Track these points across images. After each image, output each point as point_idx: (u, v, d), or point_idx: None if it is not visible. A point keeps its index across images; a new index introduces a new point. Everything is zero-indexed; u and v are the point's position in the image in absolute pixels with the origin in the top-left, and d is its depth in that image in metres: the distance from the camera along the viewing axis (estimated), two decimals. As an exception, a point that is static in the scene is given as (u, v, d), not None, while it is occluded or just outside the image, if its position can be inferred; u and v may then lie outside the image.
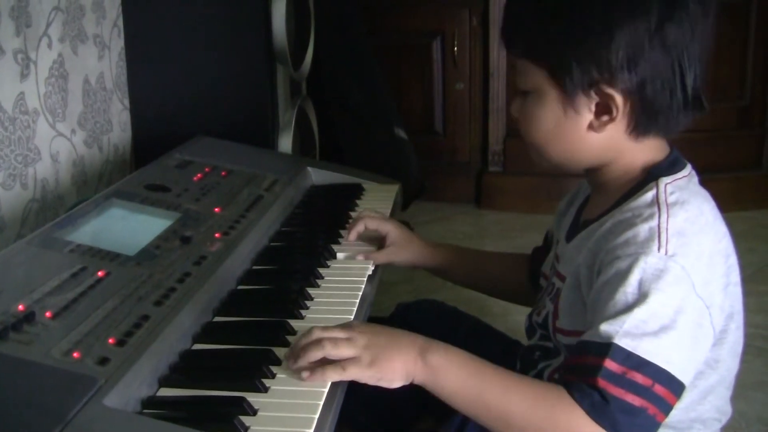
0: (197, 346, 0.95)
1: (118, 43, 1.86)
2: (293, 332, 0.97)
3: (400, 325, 1.34)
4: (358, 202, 1.52)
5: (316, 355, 0.87)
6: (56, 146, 1.58)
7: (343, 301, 1.09)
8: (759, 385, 1.74)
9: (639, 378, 0.84)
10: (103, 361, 0.80)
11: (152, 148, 1.62)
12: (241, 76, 1.89)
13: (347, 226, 1.38)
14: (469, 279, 1.37)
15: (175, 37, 1.88)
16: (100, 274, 0.98)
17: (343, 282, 1.16)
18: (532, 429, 0.87)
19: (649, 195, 0.94)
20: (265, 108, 1.90)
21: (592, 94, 0.94)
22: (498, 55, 2.94)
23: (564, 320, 1.01)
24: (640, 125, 0.95)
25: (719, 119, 2.91)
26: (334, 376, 0.86)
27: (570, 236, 1.06)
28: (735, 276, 0.97)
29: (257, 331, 0.99)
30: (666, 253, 0.87)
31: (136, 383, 0.81)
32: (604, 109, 0.94)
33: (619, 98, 0.93)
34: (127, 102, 1.91)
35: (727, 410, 1.01)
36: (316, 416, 0.80)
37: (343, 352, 0.87)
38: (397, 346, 0.89)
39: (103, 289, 0.95)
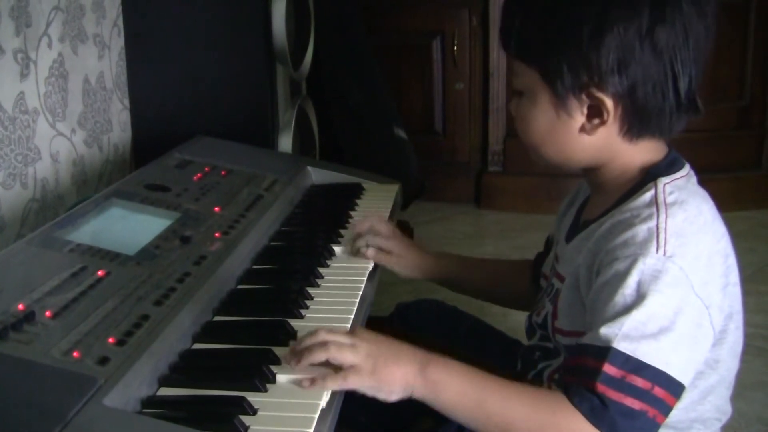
0: (197, 346, 0.95)
1: (118, 43, 1.86)
2: (293, 332, 0.97)
3: (400, 324, 1.36)
4: (358, 202, 1.52)
5: (320, 356, 0.87)
6: (56, 146, 1.58)
7: (343, 300, 1.09)
8: (759, 385, 1.74)
9: (638, 381, 0.84)
10: (103, 360, 0.80)
11: (152, 147, 1.62)
12: (241, 76, 1.89)
13: (347, 225, 1.38)
14: (471, 288, 1.36)
15: (175, 37, 1.88)
16: (100, 273, 0.98)
17: (343, 282, 1.16)
18: None
19: (647, 195, 0.94)
20: (265, 108, 1.90)
21: (583, 97, 0.94)
22: (498, 55, 2.94)
23: (563, 320, 1.01)
24: (633, 128, 0.95)
25: (719, 119, 2.91)
26: (334, 385, 0.86)
27: (570, 237, 1.06)
28: (734, 276, 0.97)
29: (257, 330, 0.99)
30: (664, 254, 0.87)
31: (136, 383, 0.81)
32: (595, 112, 0.94)
33: (609, 102, 0.93)
34: (127, 102, 1.91)
35: (727, 410, 1.01)
36: (316, 416, 0.80)
37: (347, 358, 0.87)
38: (397, 360, 0.89)
39: (103, 288, 0.95)
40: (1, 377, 0.76)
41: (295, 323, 0.99)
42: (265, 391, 0.84)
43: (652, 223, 0.90)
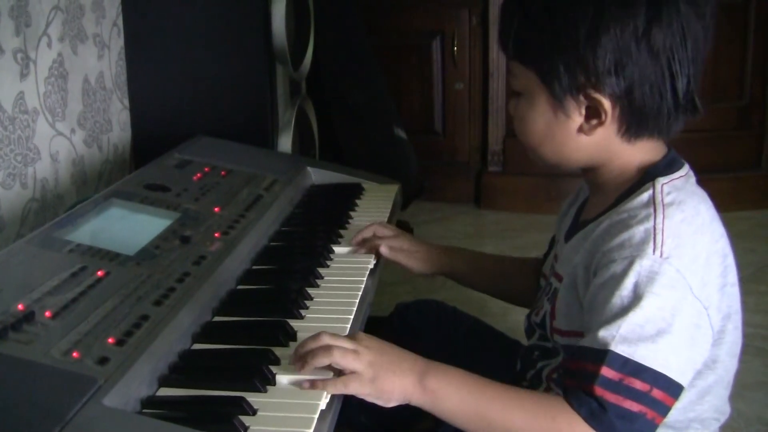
0: (197, 346, 0.95)
1: (117, 43, 1.86)
2: (293, 332, 0.97)
3: (399, 324, 1.36)
4: (358, 202, 1.52)
5: (323, 361, 0.87)
6: (56, 146, 1.58)
7: (343, 301, 1.09)
8: (758, 385, 1.74)
9: (637, 384, 0.84)
10: (103, 360, 0.80)
11: (152, 147, 1.62)
12: (241, 76, 1.88)
13: (347, 226, 1.38)
14: (479, 283, 1.37)
15: (175, 37, 1.88)
16: (99, 273, 0.98)
17: (343, 282, 1.16)
18: None
19: (645, 195, 0.94)
20: (264, 108, 1.90)
21: (581, 98, 0.94)
22: (498, 55, 2.94)
23: (561, 320, 1.01)
24: (631, 129, 0.95)
25: (718, 119, 2.91)
26: (334, 390, 0.86)
27: (569, 236, 1.06)
28: (732, 276, 0.97)
29: (257, 331, 0.99)
30: (661, 255, 0.87)
31: (135, 383, 0.81)
32: (593, 113, 0.94)
33: (607, 103, 0.93)
34: (126, 102, 1.91)
35: (726, 410, 1.01)
36: (316, 416, 0.80)
37: (350, 364, 0.87)
38: (398, 368, 0.90)
39: (103, 288, 0.94)
40: (0, 377, 0.76)
41: (294, 323, 0.99)
42: (265, 391, 0.84)
43: (649, 224, 0.90)
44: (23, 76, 1.45)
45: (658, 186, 0.94)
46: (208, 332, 0.98)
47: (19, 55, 1.44)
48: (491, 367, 0.98)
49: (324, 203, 1.53)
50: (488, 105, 3.02)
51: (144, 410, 0.81)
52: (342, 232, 1.35)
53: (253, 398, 0.82)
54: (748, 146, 3.02)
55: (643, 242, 0.89)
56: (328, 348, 0.87)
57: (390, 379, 0.89)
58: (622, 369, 0.85)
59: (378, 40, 2.88)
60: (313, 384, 0.86)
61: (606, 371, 0.85)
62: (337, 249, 1.28)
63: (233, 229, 1.21)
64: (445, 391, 0.89)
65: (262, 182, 1.45)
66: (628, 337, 0.85)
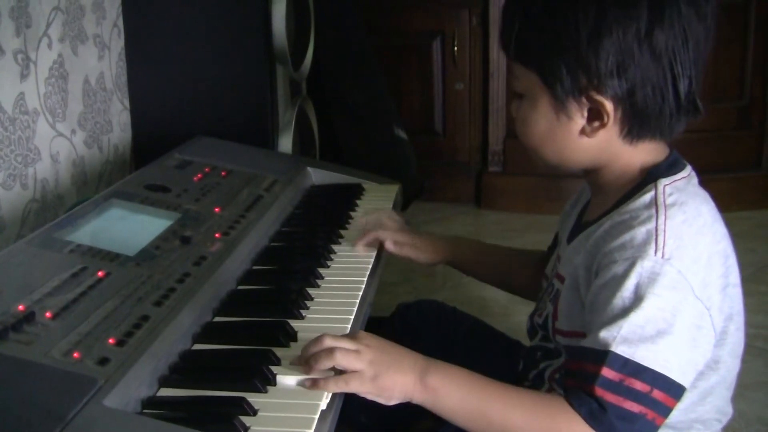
0: (197, 347, 0.95)
1: (118, 44, 1.86)
2: (293, 332, 0.97)
3: (400, 325, 1.36)
4: (358, 202, 1.52)
5: (327, 364, 0.87)
6: (56, 146, 1.58)
7: (343, 301, 1.09)
8: (759, 385, 1.74)
9: (637, 384, 0.84)
10: (103, 361, 0.80)
11: (152, 148, 1.62)
12: (241, 76, 1.89)
13: (347, 226, 1.39)
14: (483, 274, 1.38)
15: (175, 37, 1.88)
16: (100, 274, 0.98)
17: (343, 282, 1.16)
18: None
19: (647, 196, 0.94)
20: (265, 108, 1.90)
21: (583, 100, 0.94)
22: (498, 56, 2.94)
23: (563, 321, 1.01)
24: (633, 130, 0.95)
25: (719, 119, 2.91)
26: (335, 388, 0.86)
27: (571, 237, 1.06)
28: (734, 277, 0.97)
29: (257, 331, 0.99)
30: (663, 256, 0.87)
31: (136, 383, 0.81)
32: (595, 114, 0.94)
33: (609, 105, 0.93)
34: (127, 102, 1.91)
35: (728, 411, 1.01)
36: (317, 416, 0.80)
37: (352, 364, 0.88)
38: (399, 366, 0.90)
39: (103, 289, 0.95)
40: (1, 378, 0.76)
41: (295, 324, 0.99)
42: (265, 391, 0.84)
43: (651, 225, 0.90)
44: (24, 76, 1.45)
45: (660, 187, 0.94)
46: (208, 332, 0.98)
47: (19, 56, 1.44)
48: (491, 367, 0.98)
49: (324, 203, 1.53)
50: (488, 105, 3.02)
51: (144, 411, 0.81)
52: (342, 232, 1.35)
53: (253, 398, 0.82)
54: (748, 146, 3.02)
55: (645, 243, 0.89)
56: (330, 350, 0.88)
57: (391, 377, 0.89)
58: (623, 369, 0.85)
59: (378, 40, 2.88)
60: (314, 383, 0.86)
61: (606, 372, 0.85)
62: (338, 249, 1.28)
63: (234, 230, 1.21)
64: (446, 389, 0.90)
65: (262, 182, 1.45)
66: (629, 338, 0.85)
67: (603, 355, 0.85)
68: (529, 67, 0.96)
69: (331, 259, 1.24)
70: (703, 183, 1.00)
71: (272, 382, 0.86)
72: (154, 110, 1.92)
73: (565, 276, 1.02)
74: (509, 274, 1.34)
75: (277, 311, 1.04)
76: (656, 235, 0.89)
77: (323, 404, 0.83)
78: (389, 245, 1.27)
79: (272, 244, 1.30)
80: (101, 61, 1.79)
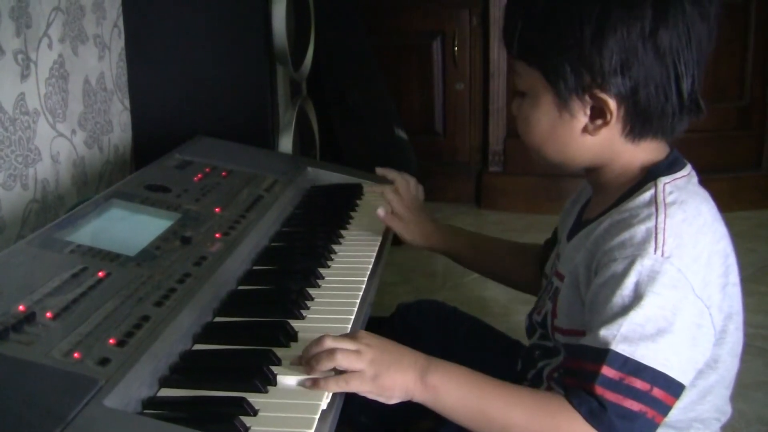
0: (197, 347, 0.95)
1: (118, 44, 1.86)
2: (293, 333, 0.97)
3: (400, 325, 1.36)
4: (358, 202, 1.52)
5: (328, 365, 0.87)
6: (56, 147, 1.58)
7: (344, 301, 1.09)
8: (759, 385, 1.74)
9: (637, 383, 0.84)
10: (104, 361, 0.80)
11: (152, 148, 1.62)
12: (241, 76, 1.89)
13: (347, 226, 1.39)
14: (478, 266, 1.38)
15: (175, 37, 1.88)
16: (100, 274, 0.98)
17: (343, 282, 1.16)
18: None
19: (647, 195, 0.94)
20: (265, 108, 1.90)
21: (586, 98, 0.94)
22: (498, 55, 2.94)
23: (562, 319, 1.01)
24: (636, 129, 0.95)
25: (719, 119, 2.91)
26: (336, 388, 0.87)
27: (571, 235, 1.06)
28: (734, 276, 0.97)
29: (257, 331, 0.99)
30: (662, 255, 0.87)
31: (136, 384, 0.81)
32: (598, 113, 0.94)
33: (612, 103, 0.93)
34: (127, 102, 1.91)
35: (727, 410, 1.01)
36: (317, 416, 0.80)
37: (353, 364, 0.88)
38: (399, 365, 0.90)
39: (104, 289, 0.95)
40: (1, 378, 0.76)
41: (295, 324, 0.99)
42: (266, 391, 0.85)
43: (651, 224, 0.90)
44: (24, 77, 1.46)
45: (660, 185, 0.94)
46: (209, 333, 0.98)
47: (19, 56, 1.44)
48: (492, 367, 0.98)
49: (324, 203, 1.53)
50: (489, 105, 3.02)
51: (145, 411, 0.81)
52: (342, 232, 1.35)
53: (254, 399, 0.82)
54: (748, 146, 3.02)
55: (645, 241, 0.89)
56: (331, 351, 0.88)
57: (391, 376, 0.89)
58: (623, 368, 0.85)
59: (378, 40, 2.88)
60: (314, 383, 0.86)
61: (606, 370, 0.85)
62: (338, 249, 1.28)
63: (234, 230, 1.22)
64: (447, 387, 0.90)
65: (262, 183, 1.45)
66: (629, 337, 0.85)
67: (603, 353, 0.85)
68: (532, 65, 0.96)
69: (332, 259, 1.24)
70: (703, 183, 1.00)
71: (272, 382, 0.86)
72: (154, 110, 1.93)
73: (564, 274, 1.02)
74: (505, 267, 1.34)
75: (277, 311, 1.04)
76: (656, 234, 0.89)
77: (323, 404, 0.83)
78: (380, 211, 1.32)
79: (272, 244, 1.31)
80: (101, 62, 1.79)
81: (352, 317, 1.04)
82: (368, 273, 1.20)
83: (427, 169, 2.95)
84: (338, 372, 0.88)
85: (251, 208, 1.32)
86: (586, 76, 0.92)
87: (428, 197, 2.85)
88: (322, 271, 1.18)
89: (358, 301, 1.09)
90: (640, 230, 0.90)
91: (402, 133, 2.80)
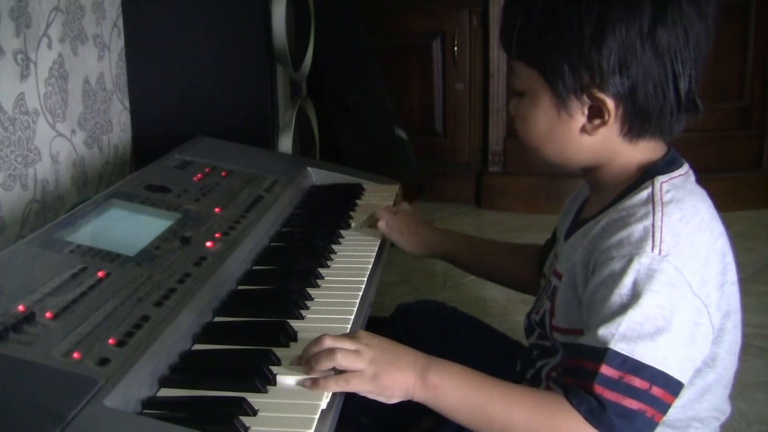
0: (197, 347, 0.95)
1: (118, 44, 1.87)
2: (293, 333, 0.97)
3: (400, 325, 1.36)
4: (358, 202, 1.52)
5: (327, 365, 0.87)
6: (56, 147, 1.58)
7: (343, 301, 1.09)
8: (759, 385, 1.74)
9: (636, 382, 0.84)
10: (104, 361, 0.80)
11: (152, 148, 1.62)
12: (241, 76, 1.89)
13: (347, 226, 1.39)
14: (476, 269, 1.38)
15: (175, 37, 1.88)
16: (100, 274, 0.98)
17: (343, 282, 1.16)
18: None
19: (644, 193, 0.94)
20: (265, 108, 1.90)
21: (585, 98, 0.94)
22: (498, 55, 2.94)
23: (560, 318, 1.01)
24: (634, 128, 0.95)
25: (719, 119, 2.91)
26: (335, 387, 0.87)
27: (569, 234, 1.06)
28: (731, 275, 0.97)
29: (257, 331, 0.99)
30: (660, 253, 0.87)
31: (136, 384, 0.81)
32: (596, 112, 0.94)
33: (610, 103, 0.93)
34: (127, 102, 1.91)
35: (726, 409, 1.01)
36: (317, 416, 0.80)
37: (353, 364, 0.88)
38: (399, 364, 0.90)
39: (103, 289, 0.95)
40: (1, 378, 0.76)
41: (295, 324, 0.99)
42: (266, 392, 0.85)
43: (648, 222, 0.90)
44: (23, 77, 1.46)
45: (657, 184, 0.94)
46: (208, 333, 0.98)
47: (19, 56, 1.44)
48: (491, 367, 0.98)
49: (324, 203, 1.53)
50: (489, 105, 3.02)
51: (145, 411, 0.81)
52: (342, 232, 1.35)
53: (253, 399, 0.82)
54: (748, 146, 3.02)
55: (642, 240, 0.89)
56: (331, 351, 0.88)
57: (391, 376, 0.89)
58: (622, 367, 0.85)
59: (378, 40, 2.88)
60: (314, 383, 0.86)
61: (605, 369, 0.85)
62: (338, 248, 1.28)
63: (234, 230, 1.22)
64: (447, 386, 0.90)
65: (262, 183, 1.45)
66: (628, 335, 0.85)
67: (602, 352, 0.85)
68: (531, 65, 0.96)
69: (331, 260, 1.24)
70: (703, 183, 1.00)
71: (272, 382, 0.86)
72: (154, 110, 1.93)
73: (562, 273, 1.02)
74: (503, 269, 1.34)
75: (277, 311, 1.04)
76: (653, 232, 0.89)
77: (323, 404, 0.83)
78: (381, 224, 1.32)
79: (272, 244, 1.31)
80: (101, 62, 1.79)
81: (352, 317, 1.04)
82: (368, 273, 1.20)
83: (427, 169, 2.95)
84: (338, 372, 0.88)
85: (251, 208, 1.32)
86: (584, 75, 0.92)
87: (428, 197, 2.87)
88: (321, 271, 1.19)
89: (358, 301, 1.09)
90: (637, 229, 0.90)
91: (402, 133, 2.80)
